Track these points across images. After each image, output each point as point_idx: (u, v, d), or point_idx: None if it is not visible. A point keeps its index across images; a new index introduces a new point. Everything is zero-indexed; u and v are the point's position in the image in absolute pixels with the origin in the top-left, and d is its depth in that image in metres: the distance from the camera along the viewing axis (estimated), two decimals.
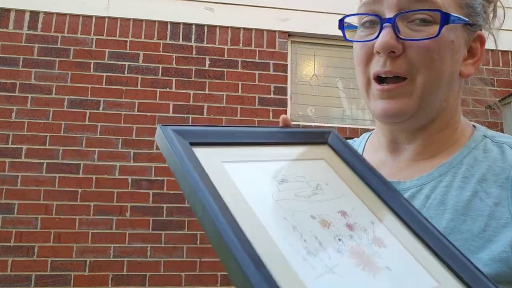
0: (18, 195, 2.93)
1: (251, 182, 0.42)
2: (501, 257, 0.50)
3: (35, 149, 3.01)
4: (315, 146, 0.52)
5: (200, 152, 0.42)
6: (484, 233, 0.52)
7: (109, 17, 3.27)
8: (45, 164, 3.00)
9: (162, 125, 0.43)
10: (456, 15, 0.56)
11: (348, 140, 0.76)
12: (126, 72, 3.22)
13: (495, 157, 0.57)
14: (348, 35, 0.61)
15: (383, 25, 0.55)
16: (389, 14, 0.56)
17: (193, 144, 0.43)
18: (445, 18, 0.54)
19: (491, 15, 0.63)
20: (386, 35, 0.55)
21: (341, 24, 0.61)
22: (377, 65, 0.57)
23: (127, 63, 3.23)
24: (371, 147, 0.70)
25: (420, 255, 0.42)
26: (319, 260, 0.36)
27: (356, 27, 0.62)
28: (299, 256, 0.35)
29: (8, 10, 3.16)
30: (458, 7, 0.57)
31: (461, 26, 0.57)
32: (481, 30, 0.61)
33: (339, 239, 0.40)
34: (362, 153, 0.70)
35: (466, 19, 0.57)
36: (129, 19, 3.29)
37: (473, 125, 0.64)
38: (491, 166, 0.56)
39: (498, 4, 0.64)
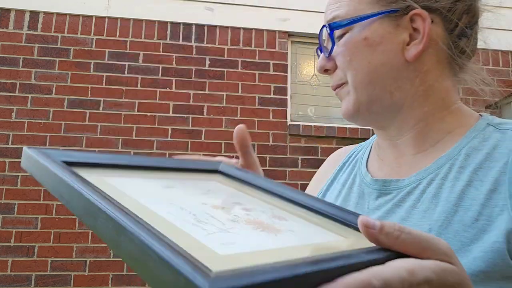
0: (18, 195, 2.93)
1: (138, 191, 0.40)
2: (493, 248, 0.47)
3: None
4: (206, 173, 0.53)
5: (79, 170, 0.40)
6: (476, 223, 0.49)
7: (109, 17, 3.27)
8: None
9: (28, 147, 0.41)
10: (347, 19, 0.60)
11: (355, 145, 0.77)
12: (126, 72, 3.22)
13: (496, 143, 0.54)
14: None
15: (321, 50, 0.65)
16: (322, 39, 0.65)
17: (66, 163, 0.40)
18: (331, 33, 0.61)
19: None
20: (319, 59, 0.64)
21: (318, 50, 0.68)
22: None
23: (127, 63, 3.23)
24: (375, 148, 0.71)
25: (324, 224, 0.41)
26: (211, 225, 0.34)
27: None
28: (189, 223, 0.34)
29: (8, 10, 3.16)
30: (375, 4, 0.59)
31: (378, 18, 0.58)
32: (423, 8, 0.59)
33: (235, 215, 0.38)
34: (369, 155, 0.71)
35: (368, 14, 0.59)
36: (129, 19, 3.29)
37: (480, 115, 0.61)
38: (490, 153, 0.54)
39: None
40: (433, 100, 0.60)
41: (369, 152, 0.71)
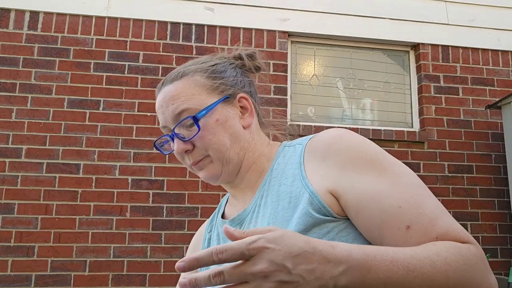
0: (18, 195, 2.93)
1: None
2: (303, 212, 0.70)
3: (35, 149, 3.01)
4: None
5: None
6: (290, 204, 0.74)
7: (109, 17, 3.27)
8: (45, 164, 3.00)
9: None
10: (204, 109, 0.80)
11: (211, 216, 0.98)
12: (126, 72, 3.22)
13: (290, 154, 0.81)
14: (163, 149, 0.90)
15: (173, 138, 0.83)
16: (172, 128, 0.83)
17: None
18: (195, 119, 0.79)
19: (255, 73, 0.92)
20: (177, 144, 0.82)
21: (155, 146, 0.88)
22: (187, 162, 0.84)
23: (127, 63, 3.23)
24: (229, 201, 0.93)
25: None
26: None
27: (166, 141, 0.89)
28: None
29: (8, 10, 3.16)
30: (211, 94, 0.82)
31: (220, 104, 0.82)
32: (245, 92, 0.88)
33: None
34: (224, 209, 0.93)
35: (215, 101, 0.81)
36: (129, 19, 3.29)
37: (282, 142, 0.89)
38: (288, 162, 0.80)
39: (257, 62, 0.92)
40: (259, 148, 0.87)
41: (224, 207, 0.93)
